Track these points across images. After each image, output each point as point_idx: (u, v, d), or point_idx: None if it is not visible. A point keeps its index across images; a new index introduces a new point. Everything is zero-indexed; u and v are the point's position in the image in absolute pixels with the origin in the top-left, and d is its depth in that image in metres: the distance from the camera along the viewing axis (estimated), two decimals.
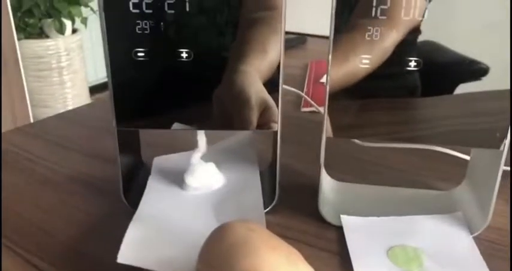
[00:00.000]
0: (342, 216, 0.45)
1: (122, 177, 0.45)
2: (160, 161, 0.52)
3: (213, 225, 0.35)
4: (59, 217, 0.46)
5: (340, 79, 0.40)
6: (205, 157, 0.48)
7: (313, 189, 0.45)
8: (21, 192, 0.50)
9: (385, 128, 0.42)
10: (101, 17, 0.39)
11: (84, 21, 2.23)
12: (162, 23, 0.39)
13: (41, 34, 2.15)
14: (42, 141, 0.61)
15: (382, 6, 0.37)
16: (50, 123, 0.68)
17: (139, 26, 0.39)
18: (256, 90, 0.41)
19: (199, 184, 0.47)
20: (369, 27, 0.38)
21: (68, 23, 2.16)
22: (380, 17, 0.37)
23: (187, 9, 0.39)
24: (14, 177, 0.53)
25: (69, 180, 0.52)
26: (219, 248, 0.32)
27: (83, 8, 2.22)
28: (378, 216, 0.45)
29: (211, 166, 0.48)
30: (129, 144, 0.47)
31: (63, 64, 2.18)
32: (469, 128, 0.40)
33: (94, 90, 2.61)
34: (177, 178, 0.48)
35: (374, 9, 0.37)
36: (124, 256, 0.37)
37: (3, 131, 1.88)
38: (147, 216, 0.43)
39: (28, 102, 1.91)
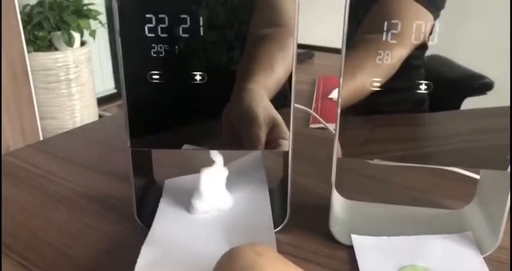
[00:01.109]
0: (352, 235, 0.45)
1: (136, 197, 0.45)
2: (171, 183, 0.53)
3: (224, 248, 0.35)
4: (72, 235, 0.46)
5: (350, 100, 0.41)
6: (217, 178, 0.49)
7: (323, 207, 0.45)
8: (34, 209, 0.51)
9: (394, 147, 0.43)
10: (117, 41, 0.40)
11: (93, 33, 2.25)
12: (176, 47, 0.40)
13: (50, 47, 2.18)
14: (54, 158, 0.62)
15: (393, 31, 0.38)
16: (61, 140, 0.69)
17: (154, 50, 0.40)
18: (264, 108, 0.42)
19: (207, 207, 0.48)
20: (380, 51, 0.39)
21: (76, 36, 2.19)
22: (391, 41, 0.38)
23: (201, 33, 0.40)
24: (26, 194, 0.53)
25: (82, 197, 0.53)
26: None
27: (91, 21, 2.24)
28: (389, 234, 0.45)
29: (219, 188, 0.49)
30: (141, 164, 0.48)
31: (71, 76, 2.20)
32: (477, 145, 0.41)
33: (102, 101, 2.64)
34: (187, 201, 0.49)
35: (385, 34, 0.38)
36: None
37: (12, 143, 1.86)
38: (159, 241, 0.43)
39: (37, 113, 1.93)
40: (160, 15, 0.39)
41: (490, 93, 0.39)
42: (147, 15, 0.39)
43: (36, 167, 0.59)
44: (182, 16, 0.39)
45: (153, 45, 0.40)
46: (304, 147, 0.64)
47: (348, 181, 0.54)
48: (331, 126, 0.61)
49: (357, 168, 0.58)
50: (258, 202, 0.49)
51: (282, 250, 0.43)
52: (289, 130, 0.43)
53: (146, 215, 0.47)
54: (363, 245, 0.44)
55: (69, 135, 0.70)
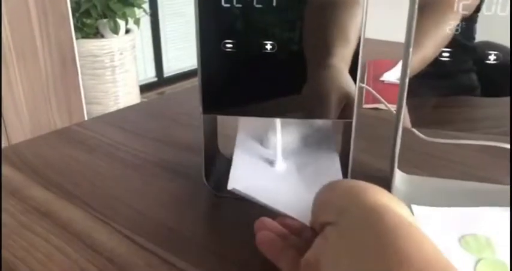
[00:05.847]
0: (412, 205, 0.46)
1: (205, 161, 0.48)
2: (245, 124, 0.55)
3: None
4: (147, 197, 0.49)
5: (418, 70, 0.42)
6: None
7: (380, 179, 0.46)
8: (107, 174, 0.54)
9: (461, 122, 0.44)
10: (195, 11, 0.42)
11: (137, 22, 2.31)
12: (249, 17, 0.42)
13: (97, 34, 2.24)
14: (119, 130, 0.64)
15: (465, 2, 0.39)
16: (124, 114, 0.72)
17: (229, 19, 0.42)
18: (339, 87, 0.43)
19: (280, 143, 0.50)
20: (451, 22, 0.39)
21: (121, 24, 2.25)
22: (462, 12, 0.39)
23: (274, 4, 0.42)
24: (98, 160, 0.57)
25: (151, 164, 0.55)
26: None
27: (136, 9, 2.30)
28: (448, 206, 0.46)
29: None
30: (210, 132, 0.50)
31: (116, 63, 2.27)
32: None
33: (143, 89, 2.70)
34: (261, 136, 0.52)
35: (456, 4, 0.39)
36: (234, 183, 0.42)
37: (60, 126, 1.93)
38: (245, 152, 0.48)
39: (83, 98, 2.00)
40: None
41: None
42: None
43: (104, 137, 0.62)
44: None
45: (228, 15, 0.42)
46: (359, 125, 0.64)
47: (406, 158, 0.54)
48: (391, 107, 0.62)
49: (414, 145, 0.58)
50: (327, 161, 0.51)
51: None
52: (354, 99, 0.44)
53: (213, 180, 0.49)
54: (424, 215, 0.45)
55: (131, 110, 0.73)
